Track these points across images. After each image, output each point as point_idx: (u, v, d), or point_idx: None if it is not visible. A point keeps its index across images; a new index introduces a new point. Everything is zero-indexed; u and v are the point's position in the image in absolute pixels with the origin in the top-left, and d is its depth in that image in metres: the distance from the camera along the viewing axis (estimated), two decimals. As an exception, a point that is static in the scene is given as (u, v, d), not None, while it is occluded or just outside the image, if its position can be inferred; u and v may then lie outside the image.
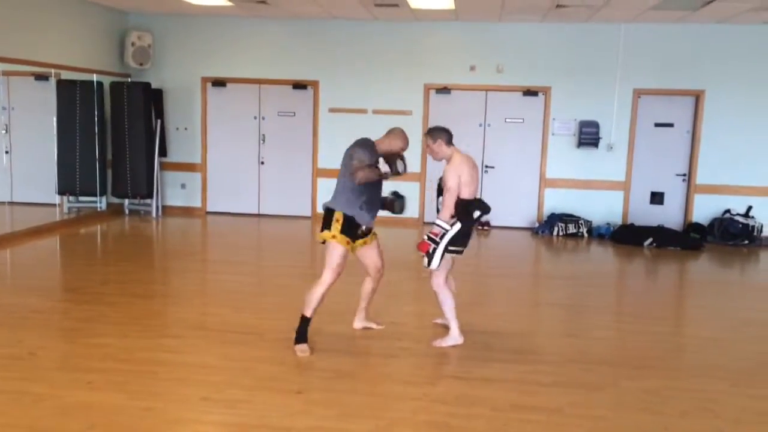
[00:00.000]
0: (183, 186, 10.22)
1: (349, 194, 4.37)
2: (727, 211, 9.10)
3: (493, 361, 4.32)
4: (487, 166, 9.50)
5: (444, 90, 9.54)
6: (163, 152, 9.92)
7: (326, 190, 9.90)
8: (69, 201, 9.60)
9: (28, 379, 3.82)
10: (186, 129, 10.09)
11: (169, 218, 9.84)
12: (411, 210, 9.77)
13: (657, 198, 9.50)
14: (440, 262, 4.36)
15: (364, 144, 4.46)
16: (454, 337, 4.51)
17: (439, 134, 4.46)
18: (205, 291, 6.19)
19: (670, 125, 9.36)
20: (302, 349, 4.32)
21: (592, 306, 5.90)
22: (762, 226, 8.96)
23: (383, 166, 4.48)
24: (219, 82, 9.93)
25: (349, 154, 4.41)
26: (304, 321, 4.37)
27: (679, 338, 5.18)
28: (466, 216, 4.36)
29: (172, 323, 5.00)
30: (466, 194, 4.33)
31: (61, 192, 9.38)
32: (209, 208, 10.24)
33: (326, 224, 4.35)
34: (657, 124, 9.35)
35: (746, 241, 8.90)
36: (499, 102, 9.49)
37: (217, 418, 3.42)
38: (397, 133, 4.58)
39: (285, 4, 8.53)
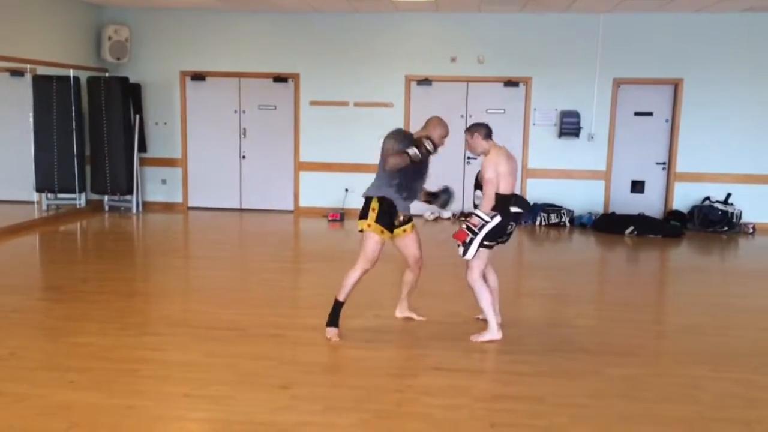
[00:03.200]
0: (163, 181, 10.13)
1: (384, 180, 4.42)
2: (707, 198, 9.20)
3: (476, 352, 4.34)
4: (469, 158, 9.52)
5: (425, 81, 9.53)
6: (142, 148, 9.82)
7: (309, 183, 9.92)
8: (47, 198, 9.48)
9: (8, 379, 3.78)
10: (165, 124, 9.99)
11: (150, 214, 9.76)
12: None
13: (638, 186, 9.58)
14: (475, 253, 4.34)
15: (396, 133, 4.45)
16: (492, 332, 4.46)
17: (477, 128, 4.43)
18: (187, 287, 6.14)
19: (650, 114, 9.43)
20: (331, 332, 4.45)
21: (574, 295, 5.94)
22: (741, 213, 9.07)
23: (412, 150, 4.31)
24: (198, 76, 9.84)
25: (382, 145, 4.44)
26: (337, 305, 4.50)
27: (660, 325, 5.24)
28: (503, 210, 4.32)
29: (153, 321, 4.96)
30: (503, 188, 4.30)
31: (39, 189, 9.27)
32: (190, 204, 10.17)
33: (363, 213, 4.42)
34: (636, 113, 9.42)
35: (726, 228, 9.00)
36: (480, 93, 9.50)
37: (201, 415, 3.41)
38: (434, 122, 4.50)
39: (263, -3, 8.46)
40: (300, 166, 9.93)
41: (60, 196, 9.57)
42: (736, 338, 4.76)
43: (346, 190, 9.81)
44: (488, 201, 4.31)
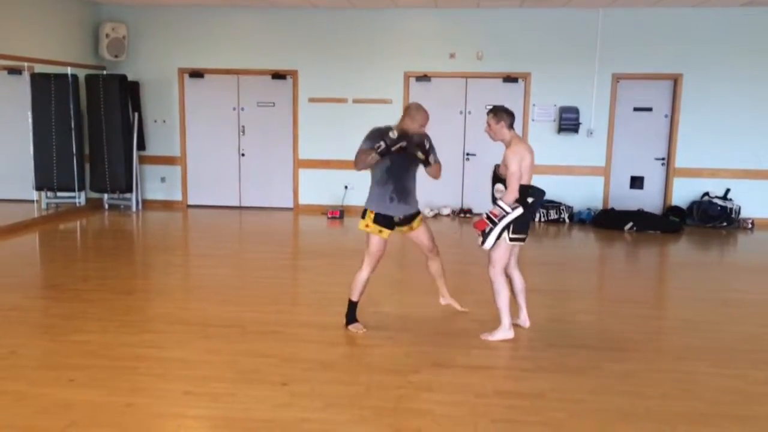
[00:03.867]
0: (163, 179, 10.13)
1: (376, 189, 4.49)
2: (706, 194, 9.20)
3: (476, 348, 4.34)
4: (468, 154, 9.51)
5: (424, 78, 9.52)
6: (141, 145, 9.81)
7: (308, 181, 9.91)
8: (47, 197, 9.48)
9: (7, 377, 3.78)
10: (164, 121, 9.99)
11: (150, 212, 9.76)
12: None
13: (637, 182, 9.58)
14: (494, 244, 4.29)
15: (371, 133, 4.41)
16: (504, 331, 4.43)
17: (502, 115, 4.31)
18: (187, 285, 6.14)
19: (649, 110, 9.42)
20: (355, 327, 4.59)
21: (574, 291, 5.95)
22: (740, 208, 9.07)
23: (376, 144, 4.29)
24: (196, 73, 9.83)
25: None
26: (351, 305, 4.63)
27: (659, 321, 5.24)
28: (524, 202, 4.28)
29: (153, 318, 4.96)
30: (525, 179, 4.27)
31: (39, 188, 9.27)
32: (190, 202, 10.16)
33: (363, 214, 4.52)
34: (636, 109, 9.41)
35: (725, 224, 9.00)
36: (479, 89, 9.50)
37: (201, 412, 3.41)
38: (408, 109, 4.44)
39: (262, -6, 8.44)
40: (299, 164, 9.92)
41: (59, 194, 9.57)
42: (735, 334, 4.77)
43: (346, 187, 9.81)
44: (512, 194, 4.23)
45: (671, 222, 8.93)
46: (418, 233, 4.66)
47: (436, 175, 4.51)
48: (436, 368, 4.01)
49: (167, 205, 10.10)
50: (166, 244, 7.95)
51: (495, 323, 4.57)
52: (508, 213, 4.26)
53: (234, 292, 5.63)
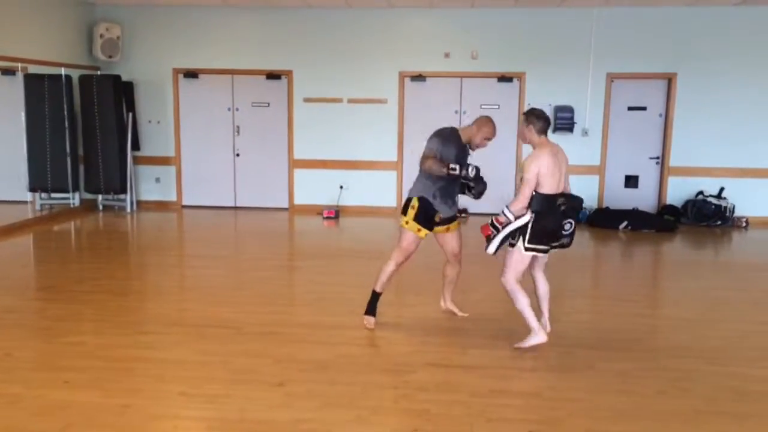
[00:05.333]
0: (157, 180, 10.11)
1: (424, 181, 4.46)
2: (700, 192, 9.23)
3: (472, 348, 4.34)
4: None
5: (419, 77, 9.53)
6: (135, 146, 9.79)
7: (303, 181, 9.91)
8: (41, 198, 9.45)
9: (3, 380, 3.76)
10: (159, 122, 9.96)
11: (144, 213, 9.73)
12: (389, 199, 9.78)
13: (631, 181, 9.60)
14: (496, 250, 4.20)
15: (440, 133, 4.43)
16: (535, 335, 4.24)
17: (533, 119, 4.16)
18: (182, 286, 6.13)
19: (643, 109, 9.45)
20: (368, 320, 4.63)
21: (569, 290, 5.95)
22: (734, 207, 9.11)
23: (455, 164, 4.31)
24: (191, 74, 9.81)
25: (426, 144, 4.44)
26: (374, 295, 4.65)
27: (654, 319, 5.25)
28: (545, 211, 4.09)
29: (148, 320, 4.95)
30: (546, 188, 4.07)
31: (33, 189, 9.24)
32: (185, 202, 10.14)
33: (404, 209, 4.52)
34: (630, 108, 9.43)
35: (719, 222, 9.03)
36: (474, 89, 9.50)
37: (197, 413, 3.40)
38: (481, 122, 4.44)
39: (256, -6, 8.43)
40: (294, 164, 9.91)
41: (53, 195, 9.54)
42: (730, 332, 4.79)
43: (341, 187, 9.81)
44: (520, 200, 4.09)
45: (666, 221, 8.95)
46: (451, 236, 4.63)
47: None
48: (432, 368, 4.01)
49: (162, 206, 10.07)
50: (161, 245, 7.92)
51: (490, 323, 4.57)
52: (510, 222, 4.15)
53: (229, 293, 5.62)
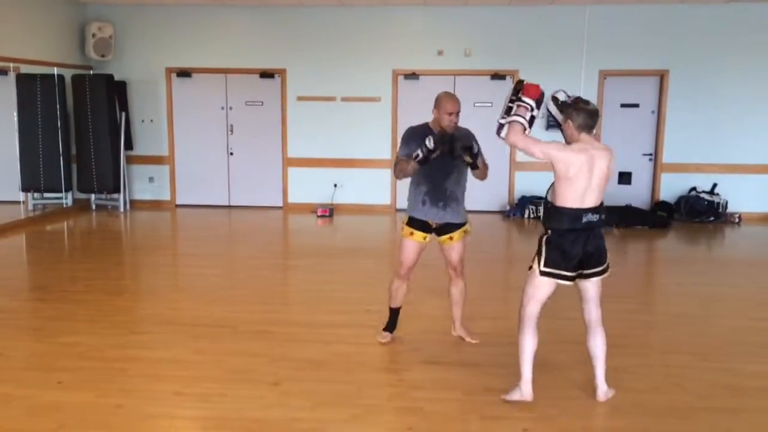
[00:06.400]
0: (151, 179, 10.07)
1: (412, 190, 4.14)
2: (693, 188, 9.26)
3: (467, 345, 4.34)
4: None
5: (412, 75, 9.52)
6: (128, 145, 9.75)
7: (297, 179, 9.89)
8: (33, 198, 9.39)
9: (-5, 381, 3.75)
10: (152, 121, 9.93)
11: (138, 212, 9.70)
12: (383, 196, 9.77)
13: (625, 178, 9.61)
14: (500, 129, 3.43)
15: (405, 135, 4.09)
16: (518, 390, 3.50)
17: (571, 113, 3.38)
18: (176, 285, 6.12)
19: (636, 106, 9.47)
20: (382, 335, 4.39)
21: (563, 287, 5.95)
22: (727, 203, 9.14)
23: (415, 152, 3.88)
24: (184, 73, 9.77)
25: None
26: (390, 312, 4.40)
27: (648, 316, 5.27)
28: (556, 225, 3.36)
29: (142, 319, 4.93)
30: (564, 193, 3.30)
31: (25, 189, 9.19)
32: (178, 201, 10.11)
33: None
34: (623, 105, 9.45)
35: (712, 218, 9.07)
36: (467, 86, 9.50)
37: (191, 413, 3.40)
38: (438, 99, 3.96)
39: (249, -8, 8.41)
40: (288, 162, 9.90)
41: (46, 195, 9.49)
42: (723, 327, 4.80)
43: (335, 185, 9.80)
44: (513, 133, 3.36)
45: (659, 217, 8.98)
46: (452, 247, 4.16)
47: (483, 177, 4.14)
48: (427, 366, 4.01)
49: (155, 205, 10.04)
50: (154, 245, 7.90)
51: (485, 321, 4.57)
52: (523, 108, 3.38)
53: (224, 292, 5.61)
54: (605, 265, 3.48)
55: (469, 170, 4.10)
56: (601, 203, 3.36)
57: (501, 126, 3.44)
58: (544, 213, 3.48)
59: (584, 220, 3.30)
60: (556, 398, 3.57)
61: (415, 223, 4.12)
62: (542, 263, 3.39)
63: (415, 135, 4.01)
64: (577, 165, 3.23)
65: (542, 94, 3.45)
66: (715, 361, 4.14)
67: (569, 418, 3.37)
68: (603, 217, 3.38)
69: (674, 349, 4.33)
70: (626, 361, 4.08)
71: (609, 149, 3.38)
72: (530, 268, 3.47)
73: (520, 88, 3.44)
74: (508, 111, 3.44)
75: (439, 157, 3.83)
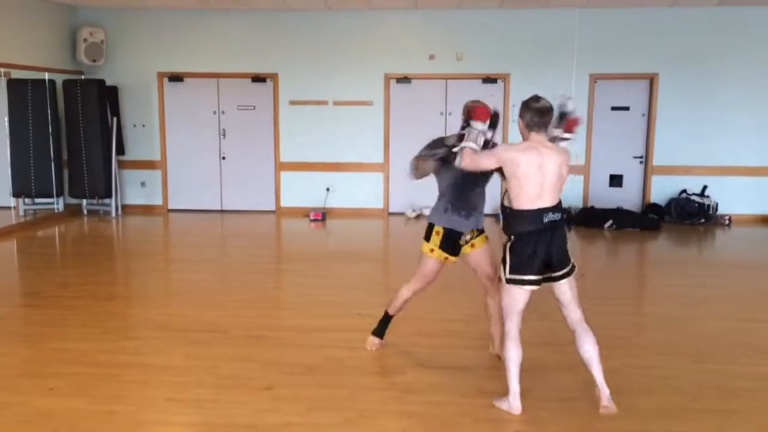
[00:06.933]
0: (143, 184, 10.05)
1: (441, 202, 3.95)
2: (684, 191, 9.31)
3: (461, 348, 4.35)
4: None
5: (404, 79, 9.54)
6: (120, 150, 9.73)
7: (289, 183, 9.89)
8: (25, 203, 9.36)
9: (-14, 388, 3.73)
10: (144, 126, 9.91)
11: (130, 217, 9.67)
12: (376, 200, 9.78)
13: (616, 180, 9.67)
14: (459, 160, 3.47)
15: (432, 142, 3.93)
16: (506, 401, 3.46)
17: (522, 111, 3.41)
18: (168, 291, 6.10)
19: (626, 109, 9.52)
20: (371, 341, 4.30)
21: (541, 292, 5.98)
22: (717, 205, 9.19)
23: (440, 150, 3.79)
24: (176, 77, 9.77)
25: None
26: (385, 317, 4.28)
27: (640, 317, 5.29)
28: (519, 228, 3.34)
29: (134, 325, 4.92)
30: (519, 195, 3.29)
31: (16, 194, 9.15)
32: (171, 206, 10.09)
33: (427, 235, 3.96)
34: (613, 108, 9.51)
35: (702, 220, 9.12)
36: (459, 90, 9.52)
37: (184, 419, 3.39)
38: (464, 107, 3.73)
39: (240, -3, 8.42)
40: (280, 166, 9.90)
41: (37, 200, 9.46)
42: (714, 329, 4.83)
43: (328, 189, 9.80)
44: (466, 158, 3.42)
45: (650, 219, 9.02)
46: (480, 255, 3.97)
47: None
48: (420, 369, 4.02)
49: (147, 210, 10.02)
50: (146, 250, 7.88)
51: (478, 323, 4.57)
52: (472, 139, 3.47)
53: (216, 297, 5.60)
54: (572, 265, 3.46)
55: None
56: (560, 202, 3.37)
57: (455, 155, 3.50)
58: (503, 220, 3.45)
59: (546, 219, 3.28)
60: (550, 400, 3.59)
61: (449, 246, 3.91)
62: (507, 270, 3.36)
63: (441, 143, 3.87)
64: (524, 163, 3.23)
65: (494, 115, 3.55)
66: (706, 362, 4.16)
67: (562, 420, 3.38)
68: (564, 215, 3.39)
69: (665, 351, 4.35)
70: (618, 362, 4.09)
71: (564, 152, 3.41)
72: (500, 279, 3.45)
73: (469, 113, 3.52)
74: (460, 138, 3.50)
75: (470, 172, 3.64)
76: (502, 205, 3.49)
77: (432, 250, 3.94)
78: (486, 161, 3.37)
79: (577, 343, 3.44)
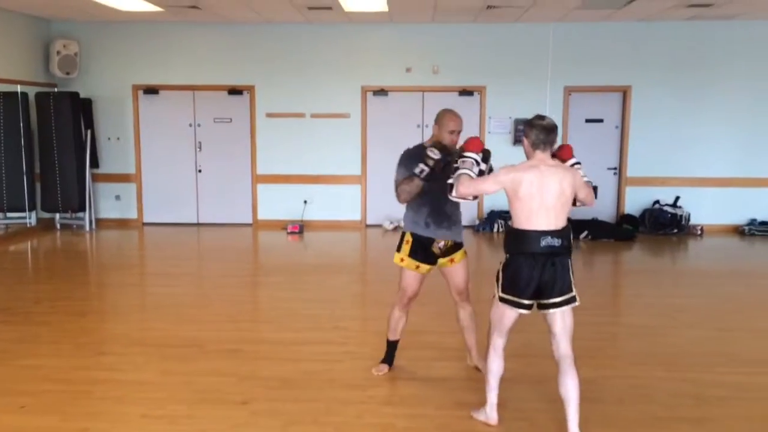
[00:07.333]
0: (117, 197, 9.94)
1: (410, 212, 3.93)
2: (657, 201, 9.45)
3: (437, 360, 4.36)
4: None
5: (381, 92, 9.59)
6: (94, 163, 9.62)
7: (266, 196, 9.85)
8: (-4, 217, 9.20)
9: (-46, 406, 3.65)
10: (118, 139, 9.82)
11: (104, 231, 9.55)
12: (353, 212, 9.77)
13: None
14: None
15: (401, 159, 3.86)
16: (483, 412, 3.46)
17: (527, 129, 3.32)
18: (143, 305, 6.03)
19: (600, 121, 9.65)
20: (378, 367, 4.17)
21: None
22: (689, 215, 9.34)
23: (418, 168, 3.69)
24: (151, 90, 9.70)
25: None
26: (388, 344, 4.19)
27: (615, 327, 5.34)
28: (513, 248, 3.26)
29: (108, 340, 4.85)
30: (518, 214, 3.20)
31: (-12, 208, 8.99)
32: (146, 219, 9.99)
33: (399, 245, 3.95)
34: (587, 120, 9.63)
35: (675, 230, 9.25)
36: (435, 102, 9.56)
37: (158, 435, 3.35)
38: (439, 116, 3.80)
39: (217, 9, 8.40)
40: (257, 179, 9.86)
41: (9, 215, 9.29)
42: (687, 338, 4.90)
43: (305, 201, 9.78)
44: (463, 186, 3.31)
45: (624, 230, 9.14)
46: (455, 270, 3.96)
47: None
48: (397, 382, 4.02)
49: (122, 224, 9.90)
50: (121, 264, 7.78)
51: (455, 336, 4.59)
52: (466, 164, 3.39)
53: (192, 311, 5.54)
54: (568, 296, 3.24)
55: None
56: (564, 228, 3.20)
57: (451, 186, 3.40)
58: (504, 238, 3.40)
59: (543, 243, 3.14)
60: (527, 411, 3.61)
61: (420, 254, 3.88)
62: (500, 289, 3.28)
63: (413, 157, 3.78)
64: (526, 183, 3.13)
65: (485, 150, 3.52)
66: (680, 371, 4.22)
67: (539, 430, 3.39)
68: (566, 243, 3.20)
69: (640, 360, 4.40)
70: (593, 372, 4.13)
71: (568, 169, 3.29)
72: (494, 296, 3.36)
73: (462, 146, 3.52)
74: (454, 171, 3.43)
75: (440, 179, 3.62)
76: (507, 223, 3.41)
77: (402, 260, 3.93)
78: (486, 186, 3.32)
79: (559, 379, 3.25)
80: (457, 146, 3.73)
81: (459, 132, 3.79)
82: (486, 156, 3.55)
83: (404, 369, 4.21)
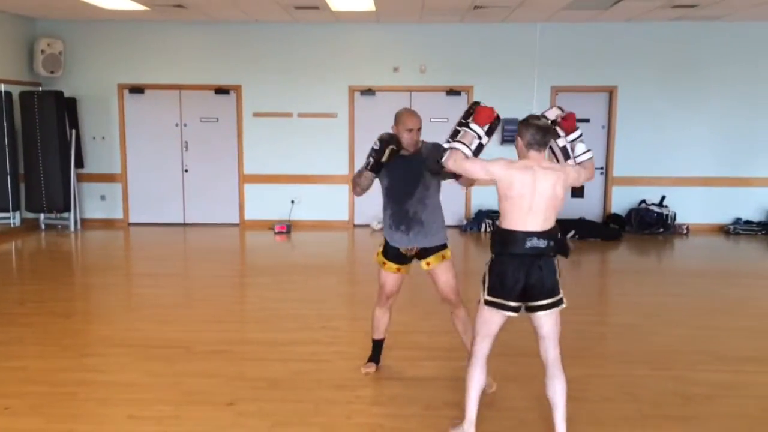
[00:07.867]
0: (103, 197, 9.87)
1: (384, 213, 3.89)
2: (643, 201, 9.51)
3: (426, 360, 4.36)
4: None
5: (368, 92, 9.58)
6: (79, 163, 9.54)
7: (254, 196, 9.81)
8: (-21, 218, 9.10)
9: (-64, 409, 3.60)
10: (103, 138, 9.74)
11: (89, 231, 9.47)
12: (341, 212, 9.75)
13: (578, 191, 9.70)
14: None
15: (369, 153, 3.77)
16: (460, 428, 3.28)
17: (521, 128, 3.18)
18: (129, 306, 5.98)
19: (587, 120, 9.67)
20: (366, 367, 4.16)
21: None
22: (675, 215, 9.40)
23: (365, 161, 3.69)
24: (136, 89, 9.63)
25: None
26: (373, 343, 4.18)
27: (601, 326, 5.37)
28: (498, 248, 3.16)
29: (93, 341, 4.81)
30: (507, 214, 3.10)
31: (-30, 209, 8.89)
32: (132, 220, 9.92)
33: (381, 245, 3.96)
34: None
35: (661, 230, 9.32)
36: (423, 102, 9.58)
37: (144, 437, 3.32)
38: (397, 116, 3.77)
39: (204, 8, 8.36)
40: (244, 179, 9.82)
41: (-8, 215, 9.21)
42: (673, 336, 4.93)
43: (292, 201, 9.75)
44: (454, 159, 3.17)
45: (611, 229, 9.19)
46: (434, 274, 3.86)
47: (469, 183, 3.73)
48: (385, 382, 4.01)
49: (108, 224, 9.83)
50: (106, 264, 7.72)
51: (442, 335, 4.58)
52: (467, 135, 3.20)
53: (178, 312, 5.51)
54: (556, 299, 3.16)
55: (455, 184, 3.82)
56: (552, 229, 3.13)
57: (444, 150, 3.26)
58: (491, 237, 3.28)
59: (528, 244, 3.05)
60: (514, 410, 3.62)
61: (389, 252, 3.87)
62: (485, 291, 3.16)
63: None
64: (518, 184, 3.02)
65: (495, 120, 3.24)
66: (665, 369, 4.24)
67: (526, 428, 3.40)
68: (553, 244, 3.11)
69: (625, 359, 4.42)
70: (580, 371, 4.14)
71: (562, 169, 3.21)
72: (479, 301, 3.22)
73: (472, 111, 3.25)
74: (454, 134, 3.23)
75: (399, 174, 3.68)
76: (495, 222, 3.31)
77: (384, 263, 3.91)
78: (474, 169, 3.14)
79: (547, 383, 3.19)
80: (419, 144, 3.77)
81: (418, 129, 3.74)
82: (493, 127, 3.26)
83: (393, 369, 4.20)
